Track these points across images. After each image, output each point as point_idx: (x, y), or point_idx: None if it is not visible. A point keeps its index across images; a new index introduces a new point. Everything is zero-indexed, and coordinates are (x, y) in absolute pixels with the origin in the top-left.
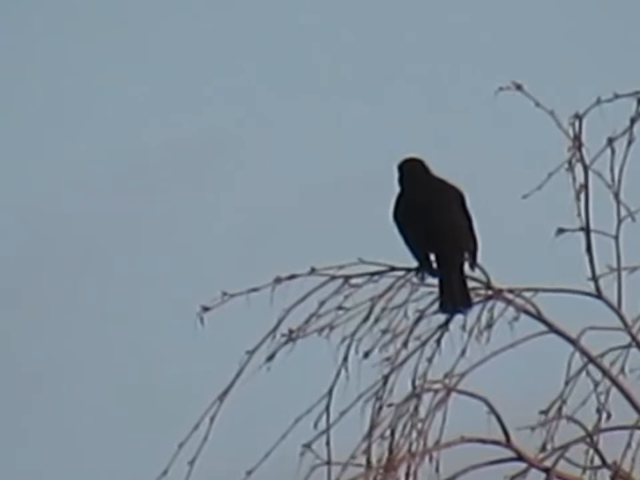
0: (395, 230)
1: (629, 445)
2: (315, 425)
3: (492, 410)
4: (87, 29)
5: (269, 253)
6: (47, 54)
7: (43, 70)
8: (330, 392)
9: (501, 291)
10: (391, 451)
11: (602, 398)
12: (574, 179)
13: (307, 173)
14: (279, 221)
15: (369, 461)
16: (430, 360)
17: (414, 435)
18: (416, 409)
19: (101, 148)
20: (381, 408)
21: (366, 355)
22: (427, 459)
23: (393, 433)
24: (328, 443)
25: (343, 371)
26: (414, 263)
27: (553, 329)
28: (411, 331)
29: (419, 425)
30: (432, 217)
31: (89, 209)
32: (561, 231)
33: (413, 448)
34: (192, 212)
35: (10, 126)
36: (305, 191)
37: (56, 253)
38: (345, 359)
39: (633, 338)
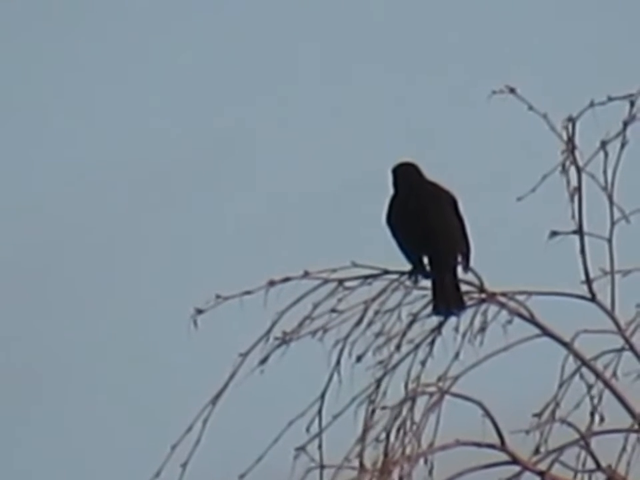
0: (388, 233)
1: (624, 449)
2: (308, 429)
3: (487, 413)
4: (97, 29)
5: (263, 255)
6: (59, 53)
7: (55, 70)
8: (322, 395)
9: (494, 294)
10: (386, 453)
11: (595, 401)
12: (568, 181)
13: (303, 178)
14: (273, 225)
15: (361, 464)
16: (423, 363)
17: (409, 438)
18: (410, 411)
19: (114, 147)
20: (374, 411)
21: (359, 358)
22: (421, 462)
23: (388, 436)
24: (320, 446)
25: (335, 375)
26: (407, 266)
27: (546, 332)
28: (404, 334)
29: (414, 428)
30: (425, 220)
31: (90, 209)
32: (554, 233)
33: (408, 451)
34: (188, 215)
35: (22, 126)
36: (300, 195)
37: (58, 252)
38: (338, 362)
39: (626, 341)
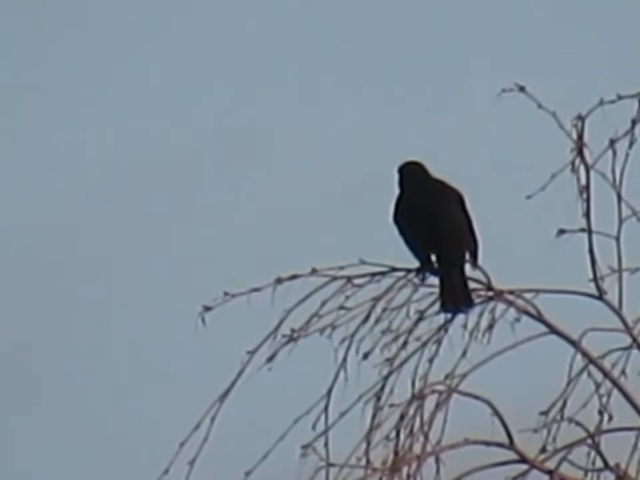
0: (395, 231)
1: (635, 447)
2: (314, 426)
3: (495, 412)
4: (99, 27)
5: (271, 253)
6: (60, 54)
7: (55, 70)
8: (329, 393)
9: (501, 292)
10: (396, 452)
11: (603, 399)
12: (577, 180)
13: (311, 177)
14: (281, 223)
15: (368, 462)
16: (431, 361)
17: (418, 436)
18: (419, 410)
19: (125, 145)
20: (381, 409)
21: (365, 355)
22: (431, 460)
23: (398, 434)
24: (327, 444)
25: (342, 372)
26: (415, 264)
27: (553, 330)
28: (411, 332)
29: (424, 427)
30: (432, 218)
31: (94, 208)
32: (562, 231)
33: (417, 449)
34: (196, 213)
35: (21, 129)
36: (308, 193)
37: (59, 252)
38: (345, 359)
39: (634, 339)
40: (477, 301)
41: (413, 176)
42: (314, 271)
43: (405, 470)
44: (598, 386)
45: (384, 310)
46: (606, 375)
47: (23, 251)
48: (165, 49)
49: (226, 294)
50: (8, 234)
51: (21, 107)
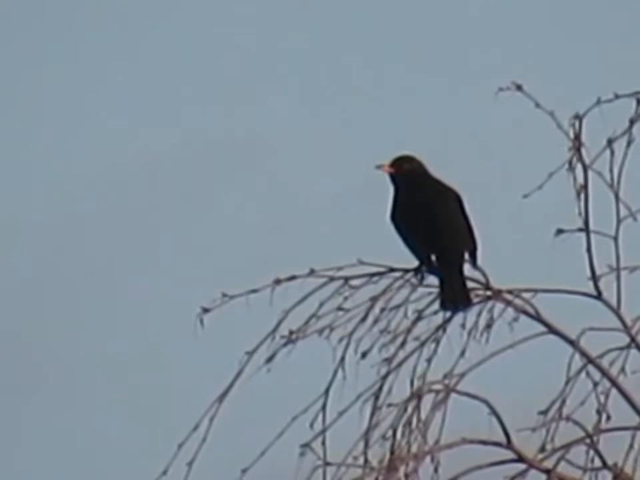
0: (393, 231)
1: (631, 446)
2: (311, 425)
3: (493, 411)
4: (106, 28)
5: (269, 254)
6: (71, 53)
7: (49, 71)
8: (327, 391)
9: (500, 291)
10: (392, 451)
11: (602, 399)
12: (574, 179)
13: (308, 178)
14: (279, 224)
15: (366, 461)
16: (429, 360)
17: (415, 435)
18: (417, 409)
19: (127, 146)
20: (379, 408)
21: (364, 355)
22: (428, 459)
23: (394, 434)
24: (324, 443)
25: (340, 371)
26: (413, 264)
27: (552, 329)
28: (409, 331)
29: (420, 426)
30: (431, 217)
31: (92, 209)
32: (560, 231)
33: (414, 449)
34: (194, 214)
35: (34, 123)
36: (306, 194)
37: (59, 251)
38: (343, 358)
39: (632, 339)
40: (475, 300)
41: (411, 173)
42: (312, 272)
43: (402, 469)
44: (596, 385)
45: (382, 310)
46: (604, 374)
47: (23, 250)
48: (165, 51)
49: (224, 295)
50: (8, 233)
51: (21, 106)
